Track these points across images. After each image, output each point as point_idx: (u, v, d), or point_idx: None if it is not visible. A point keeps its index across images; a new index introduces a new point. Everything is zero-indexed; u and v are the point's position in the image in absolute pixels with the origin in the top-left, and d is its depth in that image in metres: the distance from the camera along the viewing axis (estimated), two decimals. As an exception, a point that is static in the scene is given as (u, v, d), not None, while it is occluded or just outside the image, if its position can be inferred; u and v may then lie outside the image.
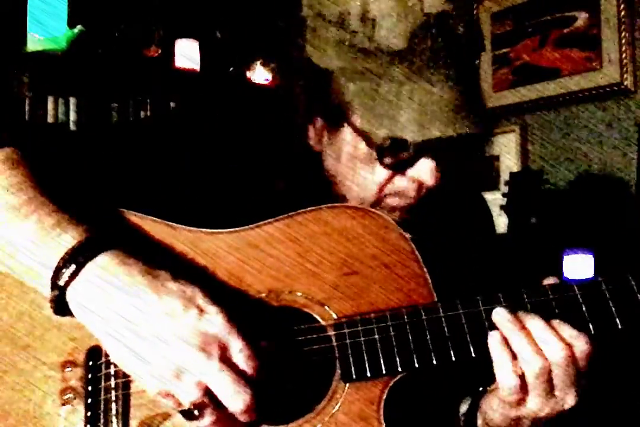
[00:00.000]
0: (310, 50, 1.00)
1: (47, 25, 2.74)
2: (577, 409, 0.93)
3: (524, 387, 0.90)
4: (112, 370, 0.95)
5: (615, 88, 2.78)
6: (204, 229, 0.97)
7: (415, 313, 0.94)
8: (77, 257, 0.86)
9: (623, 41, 2.76)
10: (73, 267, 0.86)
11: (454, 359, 0.92)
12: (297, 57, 1.02)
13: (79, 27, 2.82)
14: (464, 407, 1.11)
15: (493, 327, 0.92)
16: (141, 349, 0.83)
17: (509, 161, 3.08)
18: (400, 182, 1.04)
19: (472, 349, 0.92)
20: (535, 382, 0.90)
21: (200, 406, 0.82)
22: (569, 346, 0.90)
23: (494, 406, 0.99)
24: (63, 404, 0.95)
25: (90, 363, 0.96)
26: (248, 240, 0.97)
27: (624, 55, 2.76)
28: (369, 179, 1.04)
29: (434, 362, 0.92)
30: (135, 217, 0.98)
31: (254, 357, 0.85)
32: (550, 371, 0.89)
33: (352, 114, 0.99)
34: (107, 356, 0.95)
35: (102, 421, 0.94)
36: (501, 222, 2.85)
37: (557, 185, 2.90)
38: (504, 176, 2.88)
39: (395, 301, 0.95)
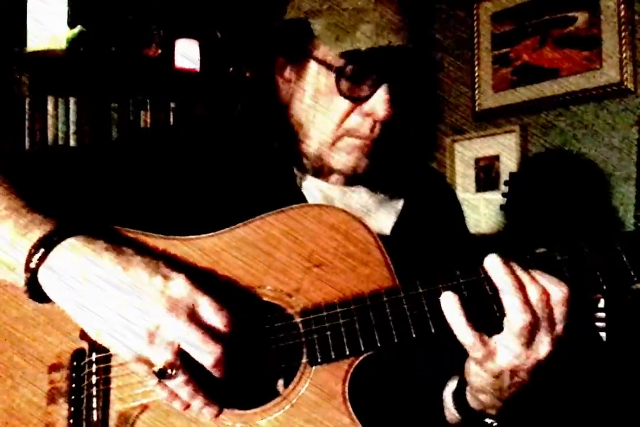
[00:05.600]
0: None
1: (47, 25, 2.77)
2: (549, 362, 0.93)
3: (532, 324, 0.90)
4: (94, 368, 0.99)
5: (615, 88, 2.77)
6: (178, 236, 1.01)
7: (377, 296, 0.96)
8: (46, 242, 0.91)
9: (623, 41, 2.75)
10: (42, 250, 0.90)
11: (414, 335, 0.94)
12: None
13: (79, 27, 2.84)
14: (451, 385, 1.12)
15: None
16: (112, 320, 0.87)
17: (509, 161, 3.08)
18: (356, 119, 1.11)
19: (431, 325, 0.94)
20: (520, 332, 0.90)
21: (173, 366, 0.87)
22: (555, 289, 0.91)
23: (473, 370, 0.99)
24: (48, 403, 0.99)
25: (75, 363, 0.99)
26: (221, 243, 1.01)
27: (624, 55, 2.74)
28: (329, 113, 1.11)
29: (395, 340, 0.94)
30: (111, 229, 1.01)
31: (223, 310, 0.89)
32: (536, 321, 0.90)
33: (314, 47, 1.09)
34: (90, 355, 0.99)
35: (84, 415, 0.97)
36: (501, 222, 2.85)
37: (557, 186, 2.88)
38: (504, 176, 2.87)
39: (359, 288, 0.98)
